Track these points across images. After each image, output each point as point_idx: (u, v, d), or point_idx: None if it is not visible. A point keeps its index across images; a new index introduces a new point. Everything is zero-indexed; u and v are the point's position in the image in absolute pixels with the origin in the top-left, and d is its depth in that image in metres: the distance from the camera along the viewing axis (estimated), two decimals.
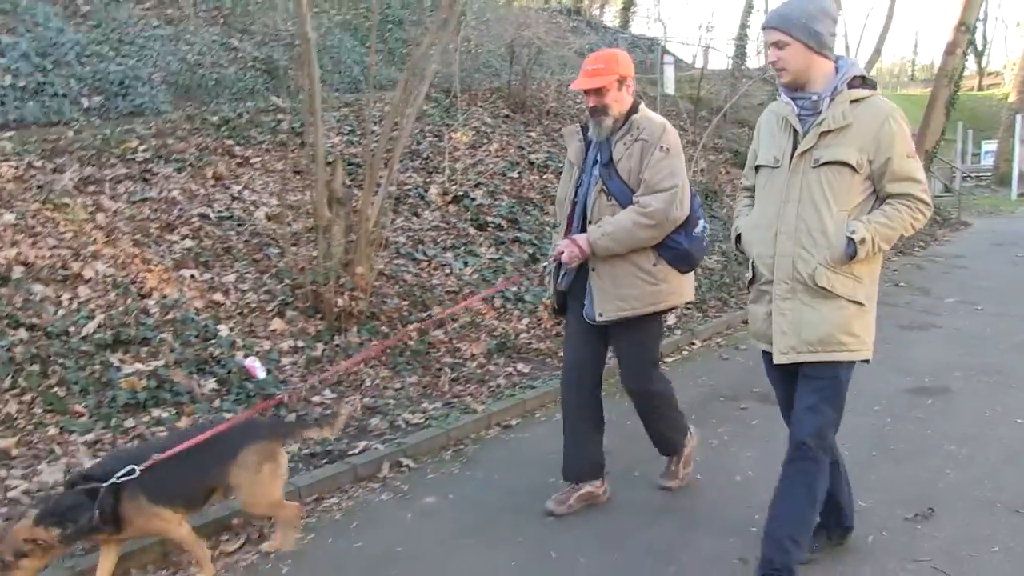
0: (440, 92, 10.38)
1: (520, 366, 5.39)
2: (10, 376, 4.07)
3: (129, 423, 3.96)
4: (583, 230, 3.20)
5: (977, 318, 6.96)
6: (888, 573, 2.82)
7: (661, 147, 3.12)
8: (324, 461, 3.87)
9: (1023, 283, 8.73)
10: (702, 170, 11.56)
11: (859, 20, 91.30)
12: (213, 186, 6.84)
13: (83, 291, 4.90)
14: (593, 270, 3.18)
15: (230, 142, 7.68)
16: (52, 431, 3.81)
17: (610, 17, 28.04)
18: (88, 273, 5.06)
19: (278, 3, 13.42)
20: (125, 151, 6.83)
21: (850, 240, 2.48)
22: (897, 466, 3.78)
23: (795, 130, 2.60)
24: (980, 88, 37.85)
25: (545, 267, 3.47)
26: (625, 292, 3.15)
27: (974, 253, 10.98)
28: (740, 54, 18.39)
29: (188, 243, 5.85)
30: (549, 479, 3.63)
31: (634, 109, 3.24)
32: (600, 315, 3.17)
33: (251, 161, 7.53)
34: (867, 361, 2.63)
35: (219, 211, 6.42)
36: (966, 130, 26.84)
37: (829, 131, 2.51)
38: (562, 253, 3.18)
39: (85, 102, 8.24)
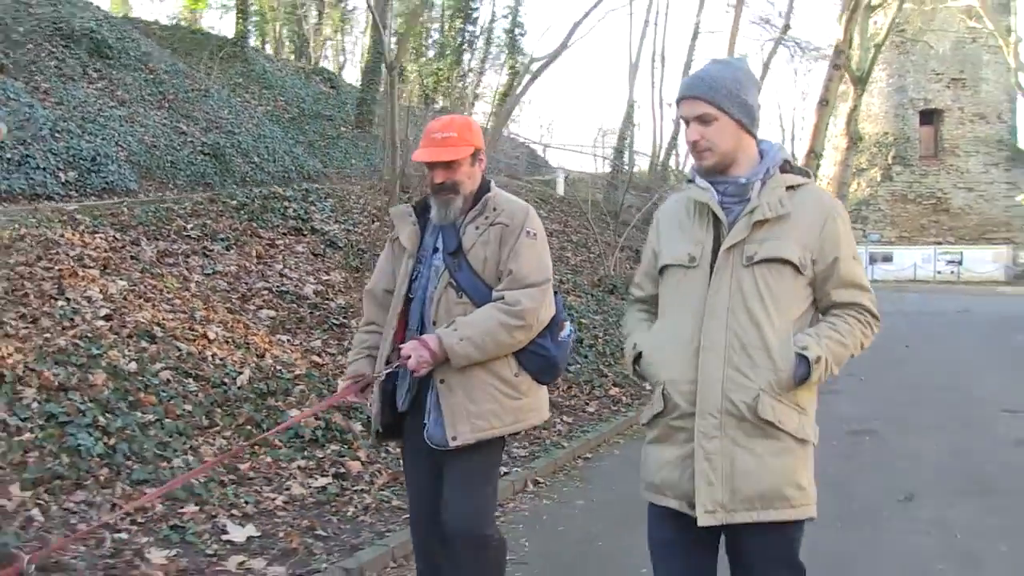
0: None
1: (565, 417, 6.73)
2: (205, 416, 4.92)
3: (319, 454, 4.91)
4: (422, 332, 2.60)
5: (865, 386, 9.06)
6: (903, 529, 4.41)
7: (528, 232, 2.59)
8: None
9: (882, 361, 11.12)
10: (613, 267, 13.46)
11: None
12: (258, 263, 7.76)
13: (215, 350, 5.76)
14: (442, 382, 2.55)
15: (254, 224, 8.60)
16: (267, 459, 4.71)
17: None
18: (211, 334, 5.92)
19: (213, 92, 14.33)
20: (179, 229, 7.63)
21: (802, 358, 2.01)
22: (875, 472, 5.49)
23: (717, 220, 2.11)
24: None
25: (377, 376, 2.66)
26: (482, 408, 2.54)
27: None
28: (619, 159, 21.10)
29: (270, 312, 6.77)
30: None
31: (486, 187, 2.70)
32: (454, 438, 2.51)
33: (276, 243, 8.49)
34: (812, 519, 2.10)
35: (276, 285, 7.36)
36: None
37: (764, 221, 2.06)
38: (409, 358, 2.48)
39: (62, 176, 8.86)
